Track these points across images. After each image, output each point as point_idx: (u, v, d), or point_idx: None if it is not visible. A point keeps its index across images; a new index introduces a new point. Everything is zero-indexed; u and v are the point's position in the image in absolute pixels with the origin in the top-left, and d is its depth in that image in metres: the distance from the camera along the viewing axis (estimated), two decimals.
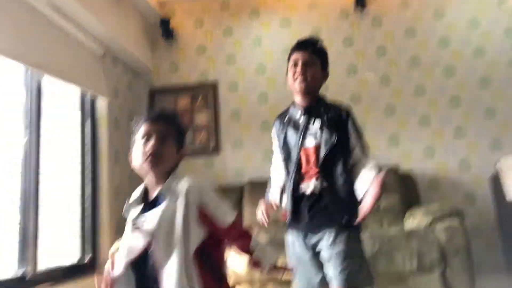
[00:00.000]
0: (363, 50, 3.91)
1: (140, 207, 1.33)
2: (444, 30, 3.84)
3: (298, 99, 1.70)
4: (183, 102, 3.99)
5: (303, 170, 1.62)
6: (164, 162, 1.32)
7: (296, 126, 1.67)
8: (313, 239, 1.60)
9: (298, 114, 1.69)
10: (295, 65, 1.66)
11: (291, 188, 1.62)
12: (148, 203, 1.33)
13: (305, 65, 1.64)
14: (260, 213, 1.72)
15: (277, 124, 1.78)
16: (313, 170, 1.60)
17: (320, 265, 1.61)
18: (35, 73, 2.56)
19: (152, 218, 1.26)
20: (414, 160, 3.66)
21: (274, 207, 1.74)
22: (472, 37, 3.80)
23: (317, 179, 1.59)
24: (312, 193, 1.59)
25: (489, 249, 3.45)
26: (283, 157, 1.70)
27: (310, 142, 1.63)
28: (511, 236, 3.17)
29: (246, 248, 1.36)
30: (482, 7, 3.81)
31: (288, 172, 1.66)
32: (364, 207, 1.51)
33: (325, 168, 1.59)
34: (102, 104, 3.32)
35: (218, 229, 1.29)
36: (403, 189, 3.24)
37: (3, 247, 2.25)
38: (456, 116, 3.69)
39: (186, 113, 3.92)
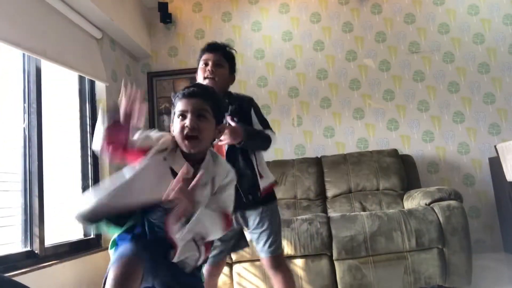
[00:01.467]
0: (363, 36, 3.91)
1: (182, 159, 1.29)
2: (443, 17, 3.85)
3: None
4: (182, 86, 3.98)
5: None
6: (202, 141, 1.29)
7: None
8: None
9: None
10: (206, 64, 1.76)
11: None
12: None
13: (215, 66, 1.75)
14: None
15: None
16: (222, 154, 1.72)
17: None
18: (33, 58, 2.53)
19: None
20: (414, 144, 3.69)
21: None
22: (471, 23, 3.81)
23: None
24: None
25: (487, 229, 3.50)
26: None
27: None
28: (509, 217, 3.22)
29: None
30: None
31: None
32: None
33: (232, 151, 1.73)
34: (100, 88, 3.30)
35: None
36: (402, 171, 3.27)
37: (12, 225, 2.27)
38: (455, 101, 3.71)
39: None
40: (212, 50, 1.79)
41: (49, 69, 2.71)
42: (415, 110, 3.74)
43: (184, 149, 1.29)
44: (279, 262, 1.83)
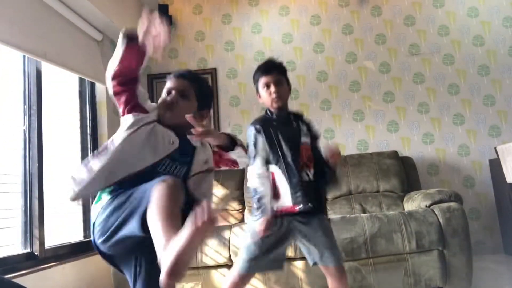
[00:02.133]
0: (363, 38, 3.91)
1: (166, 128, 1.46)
2: (443, 19, 3.85)
3: (275, 111, 1.91)
4: None
5: (301, 163, 1.82)
6: (178, 115, 1.44)
7: (287, 126, 1.90)
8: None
9: (284, 119, 1.91)
10: (268, 87, 1.85)
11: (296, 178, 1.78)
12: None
13: (277, 86, 1.85)
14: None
15: (257, 127, 1.87)
16: (310, 163, 1.84)
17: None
18: (33, 60, 2.53)
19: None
20: (414, 146, 3.69)
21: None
22: (471, 25, 3.81)
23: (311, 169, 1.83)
24: (310, 181, 1.81)
25: (487, 231, 3.50)
26: (273, 153, 1.82)
27: (305, 140, 1.89)
28: (509, 218, 3.21)
29: None
30: None
31: (285, 165, 1.80)
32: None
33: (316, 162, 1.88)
34: (101, 90, 3.31)
35: None
36: (402, 173, 3.26)
37: (12, 226, 2.28)
38: (455, 103, 3.72)
39: None
40: (269, 72, 1.88)
41: (49, 71, 2.72)
42: (415, 112, 3.74)
43: (162, 118, 1.45)
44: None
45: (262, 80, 1.88)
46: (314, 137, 1.96)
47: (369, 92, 3.82)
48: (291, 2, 4.03)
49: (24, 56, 2.48)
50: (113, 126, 3.32)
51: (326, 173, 1.85)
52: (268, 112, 1.92)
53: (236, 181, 3.37)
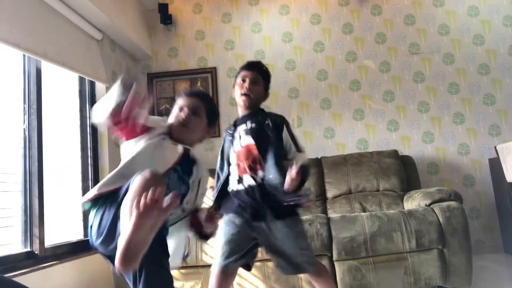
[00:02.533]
0: (363, 37, 3.91)
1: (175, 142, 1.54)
2: (443, 18, 3.85)
3: (240, 111, 1.91)
4: (182, 87, 3.99)
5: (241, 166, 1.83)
6: (192, 132, 1.57)
7: (231, 137, 1.90)
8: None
9: (230, 128, 1.91)
10: (243, 81, 1.85)
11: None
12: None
13: (252, 83, 1.84)
14: None
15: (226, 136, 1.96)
16: (255, 165, 1.79)
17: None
18: (33, 59, 2.53)
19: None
20: (414, 145, 3.69)
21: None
22: (471, 24, 3.81)
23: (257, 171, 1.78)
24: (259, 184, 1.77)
25: (487, 230, 3.50)
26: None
27: (247, 141, 1.82)
28: (509, 218, 3.22)
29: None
30: None
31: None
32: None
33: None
34: (101, 89, 3.31)
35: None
36: (402, 172, 3.27)
37: (12, 225, 2.28)
38: (455, 102, 3.72)
39: None
40: (250, 68, 1.89)
41: (49, 70, 2.72)
42: (415, 111, 3.74)
43: (175, 134, 1.54)
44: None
45: (241, 74, 1.88)
46: (267, 134, 1.81)
47: (369, 91, 3.82)
48: (291, 1, 4.03)
49: (24, 55, 2.48)
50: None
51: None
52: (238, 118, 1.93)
53: None
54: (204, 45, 4.06)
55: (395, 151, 3.42)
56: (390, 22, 3.91)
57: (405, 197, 3.08)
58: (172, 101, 3.90)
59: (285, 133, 1.83)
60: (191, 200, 1.56)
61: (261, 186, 1.73)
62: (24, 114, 2.46)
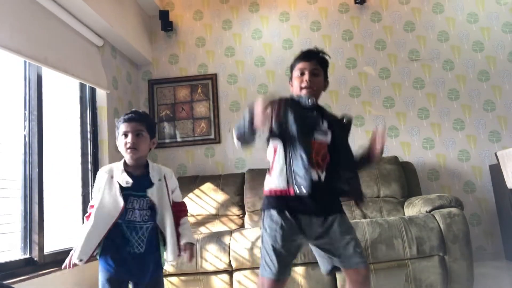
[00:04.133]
0: (363, 44, 3.93)
1: (126, 176, 1.75)
2: (443, 25, 3.87)
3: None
4: (182, 93, 4.00)
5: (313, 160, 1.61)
6: (140, 152, 1.76)
7: (305, 115, 1.66)
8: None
9: (308, 106, 1.68)
10: (302, 74, 1.69)
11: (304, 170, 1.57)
12: (134, 176, 1.77)
13: (312, 75, 1.68)
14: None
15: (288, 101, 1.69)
16: (322, 162, 1.63)
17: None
18: (34, 65, 2.54)
19: (154, 192, 1.77)
20: (414, 151, 3.69)
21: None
22: (471, 31, 3.83)
23: (324, 171, 1.63)
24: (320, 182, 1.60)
25: (488, 236, 3.49)
26: (280, 131, 1.63)
27: (320, 137, 1.65)
28: (510, 224, 3.21)
29: (178, 221, 1.81)
30: (481, 2, 3.85)
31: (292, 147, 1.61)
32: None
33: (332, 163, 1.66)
34: (101, 95, 3.31)
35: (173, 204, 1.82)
36: (403, 178, 3.26)
37: (11, 232, 2.27)
38: (455, 108, 3.72)
39: (185, 104, 3.96)
40: (308, 58, 1.72)
41: (50, 76, 2.73)
42: (415, 117, 3.75)
43: (127, 157, 1.77)
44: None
45: (298, 66, 1.71)
46: (338, 138, 1.69)
47: (369, 98, 3.82)
48: (291, 8, 4.05)
49: (25, 62, 2.49)
50: (113, 131, 3.30)
51: (347, 182, 1.66)
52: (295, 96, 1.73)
53: (236, 186, 3.37)
54: (205, 51, 4.07)
55: (396, 157, 3.42)
56: (390, 29, 3.92)
57: (405, 204, 3.08)
58: (172, 107, 3.95)
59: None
60: (162, 201, 1.77)
61: (323, 184, 1.61)
62: (24, 120, 2.46)
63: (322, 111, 1.73)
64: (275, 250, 1.55)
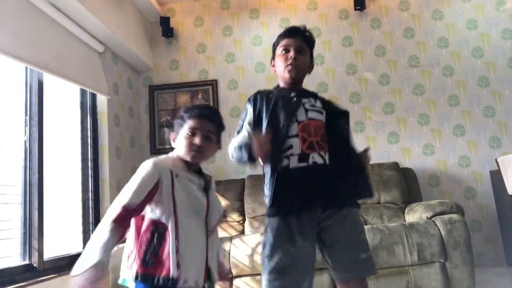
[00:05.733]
0: (363, 50, 3.94)
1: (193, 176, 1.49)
2: (442, 31, 3.88)
3: (284, 85, 1.61)
4: (183, 99, 4.00)
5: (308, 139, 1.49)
6: (204, 157, 1.50)
7: (289, 102, 1.54)
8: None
9: (289, 94, 1.57)
10: (287, 51, 1.56)
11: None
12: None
13: (297, 52, 1.56)
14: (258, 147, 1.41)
15: (258, 98, 1.60)
16: (322, 143, 1.50)
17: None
18: (35, 71, 2.55)
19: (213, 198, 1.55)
20: (414, 157, 3.69)
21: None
22: (470, 37, 3.84)
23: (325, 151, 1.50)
24: (325, 164, 1.47)
25: (489, 242, 3.48)
26: (269, 127, 1.52)
27: (315, 116, 1.53)
28: (511, 230, 3.19)
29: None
30: (480, 8, 3.86)
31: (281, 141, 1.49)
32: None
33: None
34: (102, 101, 3.32)
35: None
36: (403, 184, 3.26)
37: (11, 238, 2.27)
38: (455, 114, 3.72)
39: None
40: (293, 34, 1.58)
41: (51, 82, 2.73)
42: (415, 123, 3.75)
43: (188, 158, 1.46)
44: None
45: (282, 43, 1.57)
46: (335, 117, 1.57)
47: (369, 104, 3.83)
48: (291, 14, 4.07)
49: (26, 68, 2.50)
50: (114, 137, 3.33)
51: (354, 161, 1.49)
52: (277, 87, 1.61)
53: (237, 192, 3.37)
54: (205, 57, 4.09)
55: (396, 163, 3.42)
56: (389, 35, 3.94)
57: (406, 210, 3.07)
58: (173, 113, 3.96)
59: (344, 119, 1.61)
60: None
61: (329, 167, 1.46)
62: (25, 126, 2.47)
63: (307, 93, 1.60)
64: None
